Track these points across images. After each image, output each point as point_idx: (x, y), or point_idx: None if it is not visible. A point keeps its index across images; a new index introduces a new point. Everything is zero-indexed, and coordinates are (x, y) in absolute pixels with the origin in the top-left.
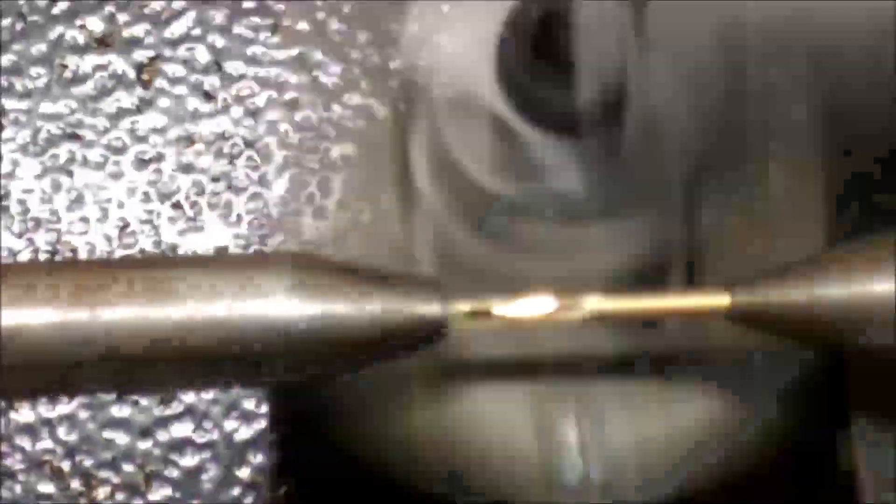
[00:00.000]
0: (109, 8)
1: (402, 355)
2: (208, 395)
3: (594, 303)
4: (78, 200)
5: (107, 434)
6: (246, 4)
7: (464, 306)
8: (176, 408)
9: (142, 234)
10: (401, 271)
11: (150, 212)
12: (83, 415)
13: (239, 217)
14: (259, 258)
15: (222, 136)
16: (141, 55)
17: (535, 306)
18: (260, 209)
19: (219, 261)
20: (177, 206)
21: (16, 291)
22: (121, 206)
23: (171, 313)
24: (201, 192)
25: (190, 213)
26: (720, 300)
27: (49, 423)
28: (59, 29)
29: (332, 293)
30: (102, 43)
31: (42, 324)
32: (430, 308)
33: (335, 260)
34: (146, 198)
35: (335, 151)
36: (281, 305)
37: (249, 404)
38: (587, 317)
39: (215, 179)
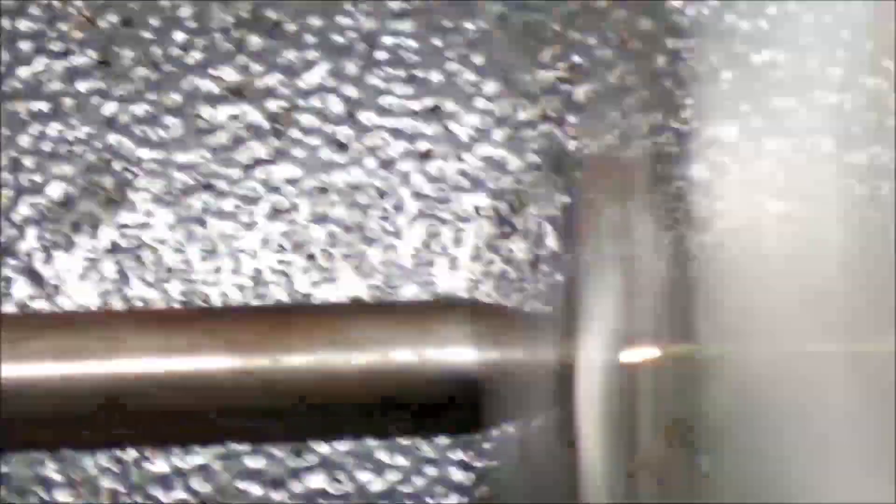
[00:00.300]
0: (243, 58)
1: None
2: (342, 446)
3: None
4: (211, 250)
5: (240, 485)
6: (379, 55)
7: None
8: (310, 459)
9: (275, 284)
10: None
11: (284, 262)
12: (217, 465)
13: (372, 268)
14: (436, 305)
15: (356, 187)
16: (274, 105)
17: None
18: (393, 260)
19: (396, 308)
20: (310, 256)
21: (196, 338)
22: (254, 256)
23: (352, 360)
24: (334, 243)
25: (323, 263)
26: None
27: (182, 474)
28: (193, 79)
29: (509, 341)
30: (236, 93)
31: (223, 369)
32: (604, 356)
33: (509, 307)
34: (279, 248)
35: (468, 202)
36: (461, 353)
37: (383, 455)
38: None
39: (348, 230)
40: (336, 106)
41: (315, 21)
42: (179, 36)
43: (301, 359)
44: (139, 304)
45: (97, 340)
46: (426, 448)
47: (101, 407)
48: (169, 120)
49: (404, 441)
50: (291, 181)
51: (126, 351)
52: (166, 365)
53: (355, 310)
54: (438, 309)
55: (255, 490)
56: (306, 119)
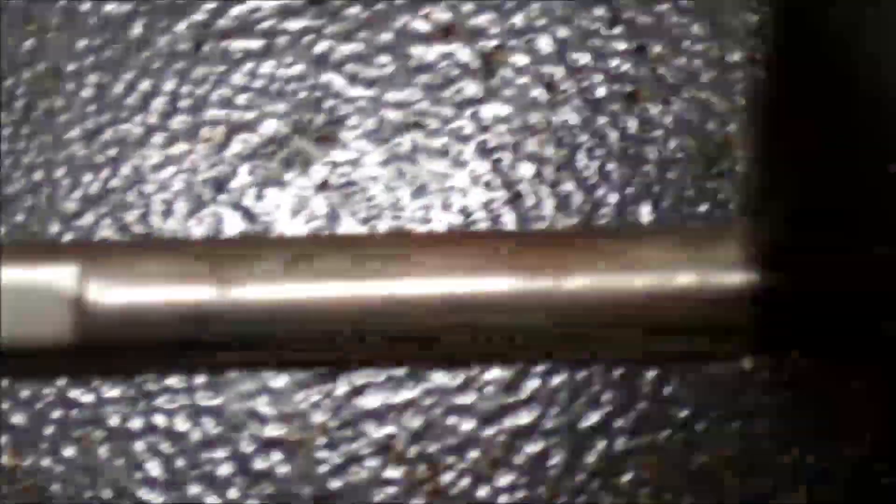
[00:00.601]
0: None
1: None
2: (553, 380)
3: None
4: (421, 189)
5: (451, 420)
6: None
7: None
8: (521, 394)
9: (483, 221)
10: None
11: (492, 200)
12: (428, 401)
13: (578, 207)
14: (713, 229)
15: (564, 127)
16: (485, 45)
17: None
18: (599, 200)
19: (678, 231)
20: (518, 195)
21: (478, 259)
22: (463, 194)
23: (634, 282)
24: (542, 182)
25: (531, 201)
26: None
27: (394, 409)
28: (404, 18)
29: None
30: (447, 32)
31: (504, 291)
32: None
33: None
34: (488, 186)
35: (672, 144)
36: (744, 276)
37: (596, 389)
38: None
39: (557, 169)
40: (546, 45)
41: None
42: None
43: (582, 281)
44: None
45: (379, 261)
46: (639, 382)
47: (379, 326)
48: (380, 58)
49: (617, 372)
50: (501, 120)
51: (408, 271)
52: (449, 286)
53: (636, 233)
54: (720, 231)
55: (466, 425)
56: (517, 58)
